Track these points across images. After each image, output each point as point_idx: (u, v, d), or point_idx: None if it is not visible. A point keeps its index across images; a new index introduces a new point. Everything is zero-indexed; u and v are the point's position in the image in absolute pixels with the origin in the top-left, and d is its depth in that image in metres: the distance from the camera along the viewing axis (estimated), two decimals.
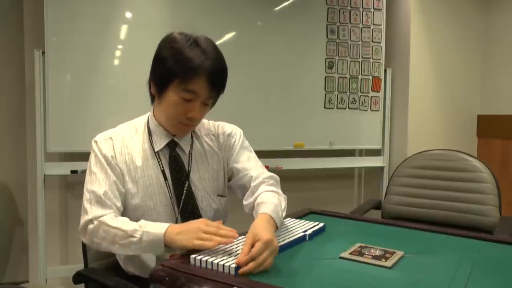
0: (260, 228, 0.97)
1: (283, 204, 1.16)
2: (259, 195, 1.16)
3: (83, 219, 1.08)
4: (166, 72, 1.09)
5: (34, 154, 2.14)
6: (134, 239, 1.01)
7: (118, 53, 2.19)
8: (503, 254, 1.09)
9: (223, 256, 0.94)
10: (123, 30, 2.19)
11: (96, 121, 2.15)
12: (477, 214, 1.80)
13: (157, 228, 1.02)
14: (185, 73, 1.06)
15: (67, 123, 2.11)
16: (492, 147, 2.84)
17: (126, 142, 1.19)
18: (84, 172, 2.14)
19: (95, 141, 1.18)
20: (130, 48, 2.20)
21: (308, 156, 2.64)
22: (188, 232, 0.98)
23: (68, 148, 2.16)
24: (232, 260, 0.91)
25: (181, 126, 1.16)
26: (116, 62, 2.19)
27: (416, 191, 1.98)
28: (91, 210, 1.07)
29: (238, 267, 0.88)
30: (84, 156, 2.18)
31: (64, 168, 2.18)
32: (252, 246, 0.91)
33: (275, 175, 1.27)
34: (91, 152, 1.18)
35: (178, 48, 1.07)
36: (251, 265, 0.88)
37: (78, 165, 2.18)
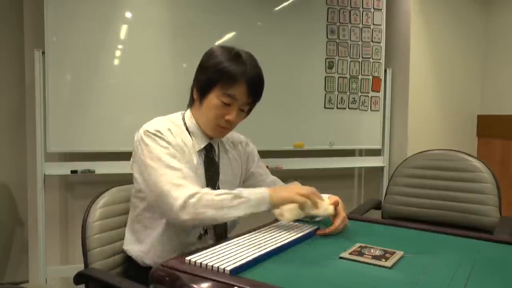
0: (340, 203, 1.27)
1: None
2: None
3: (181, 194, 1.09)
4: (210, 78, 1.20)
5: (34, 154, 2.14)
6: (243, 198, 1.11)
7: (118, 53, 2.19)
8: (503, 254, 1.09)
9: (218, 258, 0.94)
10: (123, 30, 2.19)
11: (96, 121, 2.15)
12: (477, 214, 1.80)
13: (257, 189, 1.16)
14: (227, 79, 1.18)
15: (67, 123, 2.11)
16: (492, 147, 2.83)
17: (178, 134, 1.24)
18: (84, 172, 2.17)
19: (158, 131, 1.19)
20: (130, 48, 2.20)
21: (308, 156, 2.64)
22: (291, 188, 1.16)
23: (68, 148, 2.16)
24: (226, 262, 0.91)
25: (219, 128, 1.25)
26: (116, 62, 2.19)
27: (416, 191, 1.98)
28: (188, 185, 1.11)
29: (233, 269, 0.88)
30: (84, 156, 2.20)
31: (64, 168, 2.18)
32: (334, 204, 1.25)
33: None
34: (156, 138, 1.18)
35: (222, 58, 1.20)
36: (328, 230, 1.21)
37: (78, 165, 2.18)
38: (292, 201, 1.14)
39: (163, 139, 1.18)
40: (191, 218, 1.09)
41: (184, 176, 1.13)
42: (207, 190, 1.13)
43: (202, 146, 1.27)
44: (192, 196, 1.09)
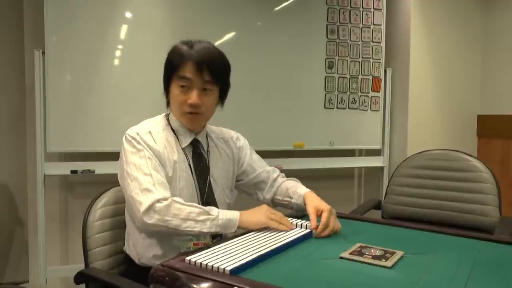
0: (318, 202, 1.27)
1: None
2: (280, 184, 1.43)
3: (148, 199, 1.10)
4: (167, 70, 1.25)
5: (34, 154, 2.14)
6: (212, 216, 1.12)
7: (118, 53, 2.19)
8: (503, 254, 1.09)
9: (218, 258, 0.94)
10: (123, 30, 2.19)
11: (96, 121, 2.15)
12: (477, 214, 1.80)
13: (229, 211, 1.17)
14: (176, 63, 1.21)
15: (67, 123, 2.11)
16: (492, 147, 2.84)
17: (160, 136, 1.25)
18: (84, 172, 2.17)
19: (138, 134, 1.21)
20: (130, 48, 2.20)
21: (308, 156, 2.64)
22: (261, 212, 1.18)
23: (68, 148, 2.15)
24: (226, 262, 0.91)
25: (187, 115, 1.25)
26: (116, 62, 2.19)
27: (416, 191, 1.98)
28: (158, 191, 1.12)
29: (233, 269, 0.88)
30: (84, 156, 2.20)
31: (64, 168, 2.18)
32: (318, 216, 1.21)
33: None
34: (133, 142, 1.20)
35: (174, 49, 1.25)
36: (326, 232, 1.17)
37: (78, 165, 2.18)
38: (264, 226, 1.16)
39: (141, 143, 1.19)
40: (154, 223, 1.10)
41: (154, 182, 1.13)
42: (178, 198, 1.14)
43: (188, 142, 1.28)
44: (159, 201, 1.10)
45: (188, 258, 0.94)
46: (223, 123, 1.50)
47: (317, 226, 1.19)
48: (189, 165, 1.26)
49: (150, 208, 1.10)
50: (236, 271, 0.88)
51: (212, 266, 0.89)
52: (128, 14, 2.20)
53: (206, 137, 1.36)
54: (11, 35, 2.40)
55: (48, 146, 2.09)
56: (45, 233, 2.15)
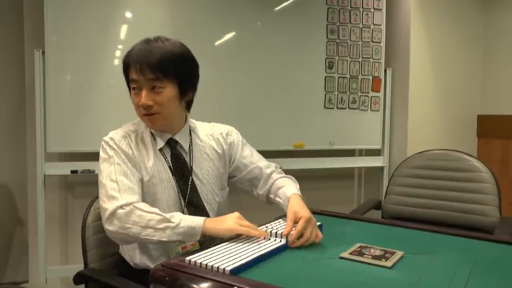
0: (299, 207, 1.16)
1: (298, 185, 1.35)
2: (275, 181, 1.36)
3: (111, 205, 1.08)
4: (124, 75, 1.23)
5: (34, 154, 2.14)
6: (172, 224, 1.06)
7: (118, 53, 2.19)
8: (503, 254, 1.09)
9: (218, 258, 0.94)
10: (123, 30, 2.19)
11: (96, 121, 2.15)
12: (477, 214, 1.80)
13: (194, 217, 1.09)
14: (125, 67, 1.21)
15: (67, 123, 2.11)
16: (492, 147, 2.83)
17: (137, 139, 1.23)
18: (84, 172, 2.17)
19: (112, 139, 1.19)
20: (130, 48, 2.19)
21: (308, 156, 2.64)
22: (230, 219, 1.09)
23: (68, 148, 2.15)
24: (226, 262, 0.91)
25: (144, 118, 1.21)
26: (116, 62, 2.19)
27: (416, 191, 1.98)
28: (121, 197, 1.09)
29: (233, 269, 0.88)
30: (84, 156, 2.20)
31: (64, 168, 2.18)
32: (295, 222, 1.10)
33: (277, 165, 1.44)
34: (107, 148, 1.18)
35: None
36: (299, 241, 1.07)
37: (78, 165, 2.18)
38: (233, 232, 1.08)
39: (113, 148, 1.17)
40: (115, 230, 1.07)
41: (120, 188, 1.10)
42: (142, 204, 1.10)
43: (164, 142, 1.23)
44: (121, 207, 1.07)
45: (188, 258, 0.94)
46: (223, 123, 1.49)
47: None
48: (169, 167, 1.22)
49: (112, 214, 1.07)
50: (236, 271, 0.88)
51: (212, 266, 0.89)
52: (128, 14, 2.19)
53: (190, 134, 1.31)
54: (11, 35, 2.40)
55: (48, 146, 2.09)
56: (45, 233, 2.15)
